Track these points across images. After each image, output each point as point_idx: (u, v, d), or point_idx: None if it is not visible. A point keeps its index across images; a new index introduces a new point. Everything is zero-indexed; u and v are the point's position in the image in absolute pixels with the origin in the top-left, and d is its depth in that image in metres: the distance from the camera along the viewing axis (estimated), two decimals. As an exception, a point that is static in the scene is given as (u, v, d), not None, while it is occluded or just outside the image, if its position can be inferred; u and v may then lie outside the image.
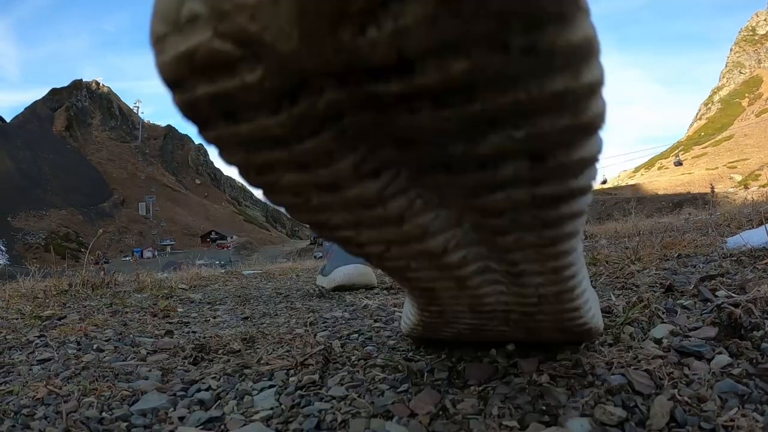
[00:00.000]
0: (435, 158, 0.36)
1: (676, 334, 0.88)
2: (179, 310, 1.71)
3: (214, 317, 1.57)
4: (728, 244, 1.93)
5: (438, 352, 0.91)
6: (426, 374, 0.83)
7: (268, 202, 0.41)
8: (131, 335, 1.31)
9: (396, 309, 1.43)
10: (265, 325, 1.37)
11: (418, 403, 0.71)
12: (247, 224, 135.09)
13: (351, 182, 0.37)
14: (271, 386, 0.82)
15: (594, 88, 0.30)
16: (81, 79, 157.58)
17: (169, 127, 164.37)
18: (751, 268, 1.40)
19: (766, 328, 0.79)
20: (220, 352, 1.06)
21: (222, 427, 0.70)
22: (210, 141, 0.34)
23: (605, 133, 0.35)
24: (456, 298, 0.61)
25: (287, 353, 0.98)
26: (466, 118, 0.31)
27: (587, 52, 0.28)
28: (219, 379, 0.88)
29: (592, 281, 1.49)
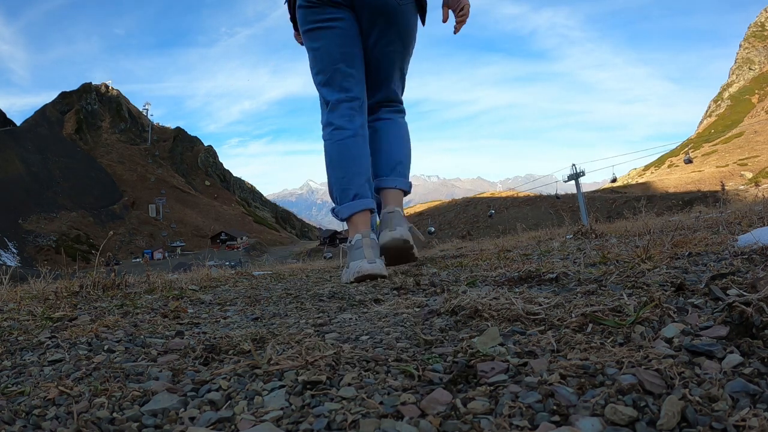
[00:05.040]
0: None
1: (687, 333, 0.88)
2: (189, 311, 1.72)
3: (225, 318, 1.57)
4: (739, 242, 1.92)
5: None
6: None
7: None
8: (142, 336, 1.31)
9: (406, 311, 1.43)
10: (275, 325, 1.37)
11: (428, 403, 0.71)
12: (256, 225, 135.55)
13: None
14: (281, 386, 0.82)
15: None
16: (90, 83, 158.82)
17: (179, 129, 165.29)
18: (763, 266, 1.39)
19: (778, 327, 0.78)
20: (230, 352, 1.07)
21: (232, 427, 0.70)
22: None
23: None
24: None
25: (297, 354, 0.98)
26: None
27: None
28: (229, 379, 0.88)
29: (602, 280, 1.48)
